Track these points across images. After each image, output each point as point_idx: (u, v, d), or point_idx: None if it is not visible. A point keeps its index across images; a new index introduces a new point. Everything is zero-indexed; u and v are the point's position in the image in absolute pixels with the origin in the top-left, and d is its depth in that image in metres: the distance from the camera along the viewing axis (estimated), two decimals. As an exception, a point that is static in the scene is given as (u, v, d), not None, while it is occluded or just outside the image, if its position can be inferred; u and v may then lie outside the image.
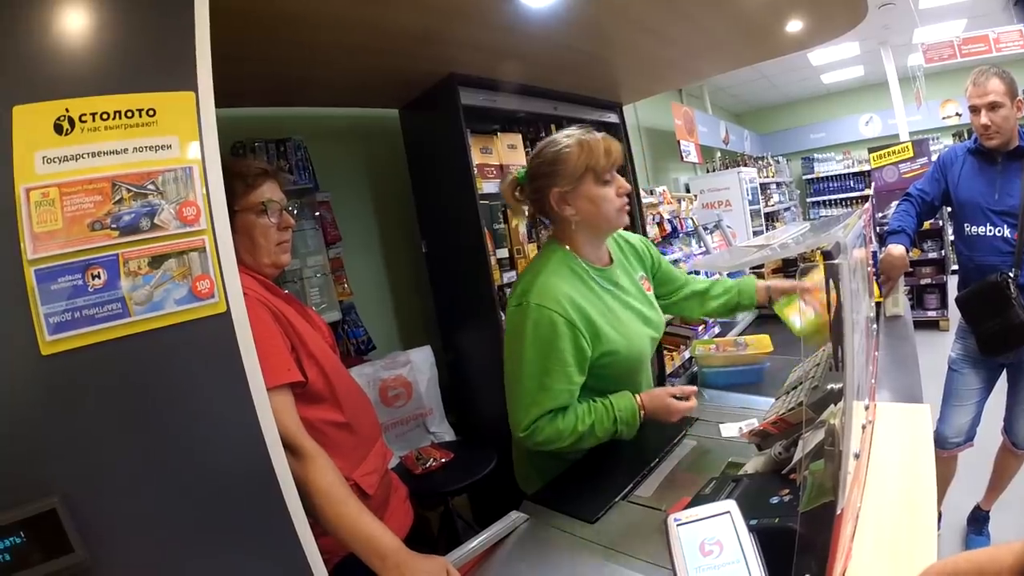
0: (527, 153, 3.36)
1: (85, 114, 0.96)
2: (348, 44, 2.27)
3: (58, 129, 0.95)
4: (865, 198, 10.07)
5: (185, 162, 1.03)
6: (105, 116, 0.98)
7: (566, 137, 1.60)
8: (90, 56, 1.00)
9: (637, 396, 1.63)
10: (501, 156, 3.16)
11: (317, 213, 3.04)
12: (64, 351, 0.92)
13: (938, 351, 3.14)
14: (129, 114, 0.99)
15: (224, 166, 1.19)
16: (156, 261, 0.99)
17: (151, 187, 1.00)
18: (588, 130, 1.61)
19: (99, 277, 0.94)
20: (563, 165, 1.57)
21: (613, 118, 4.20)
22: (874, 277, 2.67)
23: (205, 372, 1.03)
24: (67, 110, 0.95)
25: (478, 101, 2.98)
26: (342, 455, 1.46)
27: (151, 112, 1.01)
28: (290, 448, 1.24)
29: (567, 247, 1.65)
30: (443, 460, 2.82)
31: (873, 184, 6.62)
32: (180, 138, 1.03)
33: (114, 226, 0.96)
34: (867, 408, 1.37)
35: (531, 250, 3.23)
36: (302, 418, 1.37)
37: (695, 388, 1.65)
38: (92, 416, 0.94)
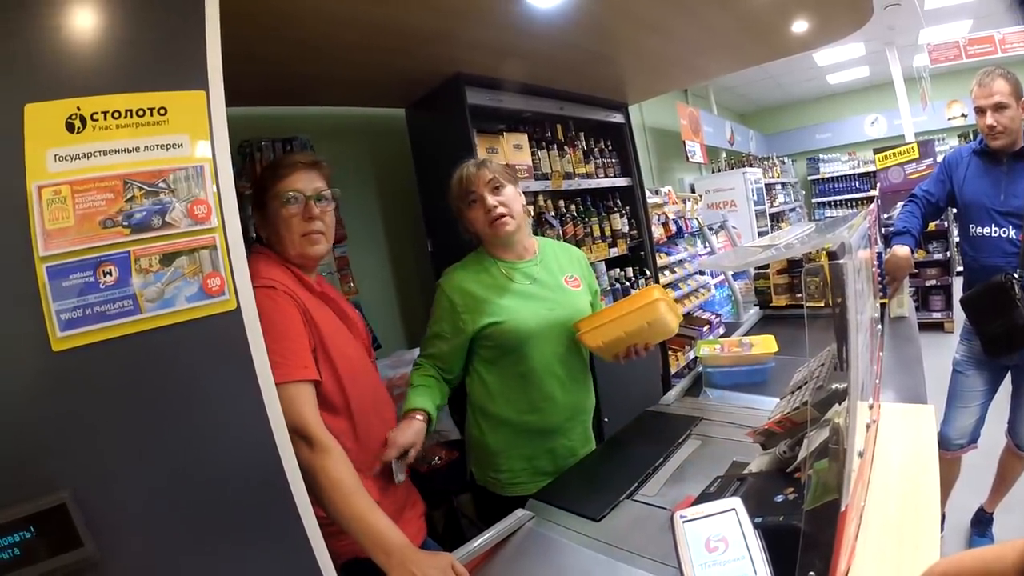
0: (533, 153, 3.36)
1: (97, 112, 0.98)
2: (355, 44, 2.28)
3: (70, 127, 0.96)
4: (870, 199, 10.03)
5: (196, 160, 1.04)
6: (117, 115, 0.99)
7: None
8: (101, 55, 1.01)
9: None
10: (507, 156, 3.15)
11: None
12: (75, 347, 0.93)
13: (943, 353, 3.14)
14: (140, 113, 1.01)
15: (267, 161, 1.21)
16: (167, 259, 1.00)
17: (162, 185, 1.01)
18: (468, 161, 1.96)
19: (110, 274, 0.95)
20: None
21: (618, 118, 4.20)
22: (879, 278, 2.67)
23: (215, 369, 1.04)
24: (79, 108, 0.96)
25: (484, 101, 2.98)
26: None
27: (162, 111, 1.02)
28: (306, 438, 1.26)
29: (483, 248, 2.00)
30: (448, 458, 2.83)
31: (878, 185, 6.60)
32: (191, 137, 1.04)
33: (125, 224, 0.97)
34: (871, 408, 1.38)
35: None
36: None
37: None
38: (102, 412, 0.95)
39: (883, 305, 2.80)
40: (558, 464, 1.95)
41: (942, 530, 2.86)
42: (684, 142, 6.61)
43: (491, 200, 1.84)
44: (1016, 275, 2.37)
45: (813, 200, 11.56)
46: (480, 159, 1.94)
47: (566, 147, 3.67)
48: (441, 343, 1.89)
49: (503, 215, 1.84)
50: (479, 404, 1.96)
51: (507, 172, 1.93)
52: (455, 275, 1.93)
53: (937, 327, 6.42)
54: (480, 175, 1.86)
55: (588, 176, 3.83)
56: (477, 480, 2.03)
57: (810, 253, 1.92)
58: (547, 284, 1.95)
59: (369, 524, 1.28)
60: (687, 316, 4.92)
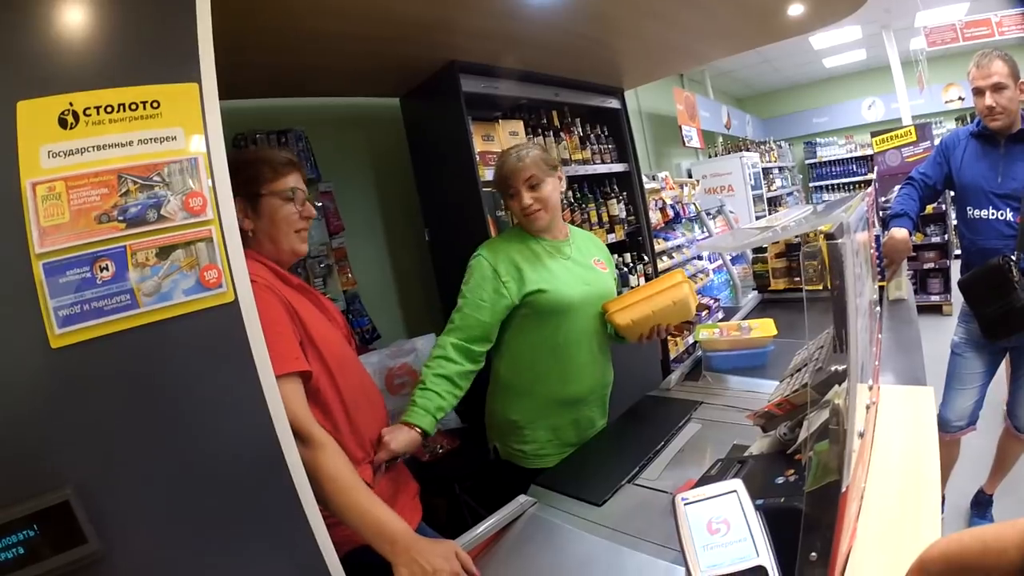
0: (529, 140, 3.35)
1: (89, 108, 0.97)
2: (348, 32, 2.26)
3: (63, 123, 0.95)
4: (868, 182, 10.03)
5: (190, 153, 1.04)
6: (109, 109, 0.98)
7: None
8: (93, 50, 1.00)
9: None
10: (503, 143, 3.14)
11: (320, 203, 3.04)
12: (74, 344, 0.93)
13: (941, 336, 3.14)
14: (133, 106, 1.00)
15: (251, 154, 1.19)
16: (164, 252, 0.99)
17: (157, 179, 1.00)
18: (515, 148, 1.99)
19: (107, 269, 0.95)
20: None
21: (615, 104, 4.18)
22: (877, 261, 2.67)
23: (214, 361, 1.04)
24: (71, 104, 0.96)
25: (479, 88, 2.96)
26: None
27: (155, 104, 1.02)
28: (299, 436, 1.24)
29: (521, 226, 2.05)
30: (450, 447, 2.84)
31: (876, 168, 6.59)
32: (185, 129, 1.04)
33: (121, 218, 0.97)
34: (871, 389, 1.38)
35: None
36: None
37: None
38: (103, 408, 0.95)
39: (881, 288, 2.80)
40: (580, 435, 2.04)
41: (942, 512, 2.88)
42: (681, 127, 6.60)
43: (527, 199, 1.93)
44: (1014, 257, 2.38)
45: (810, 184, 11.56)
46: (525, 150, 1.97)
47: (562, 133, 3.67)
48: (478, 312, 1.90)
49: (537, 211, 1.94)
50: (506, 377, 2.03)
51: (547, 164, 1.97)
52: (496, 245, 1.99)
53: (935, 310, 6.44)
54: (520, 172, 1.92)
55: (585, 162, 3.83)
56: (501, 455, 2.08)
57: (808, 235, 1.93)
58: (581, 263, 2.05)
59: (371, 516, 1.29)
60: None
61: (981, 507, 2.95)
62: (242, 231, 1.43)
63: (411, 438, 1.67)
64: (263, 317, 1.18)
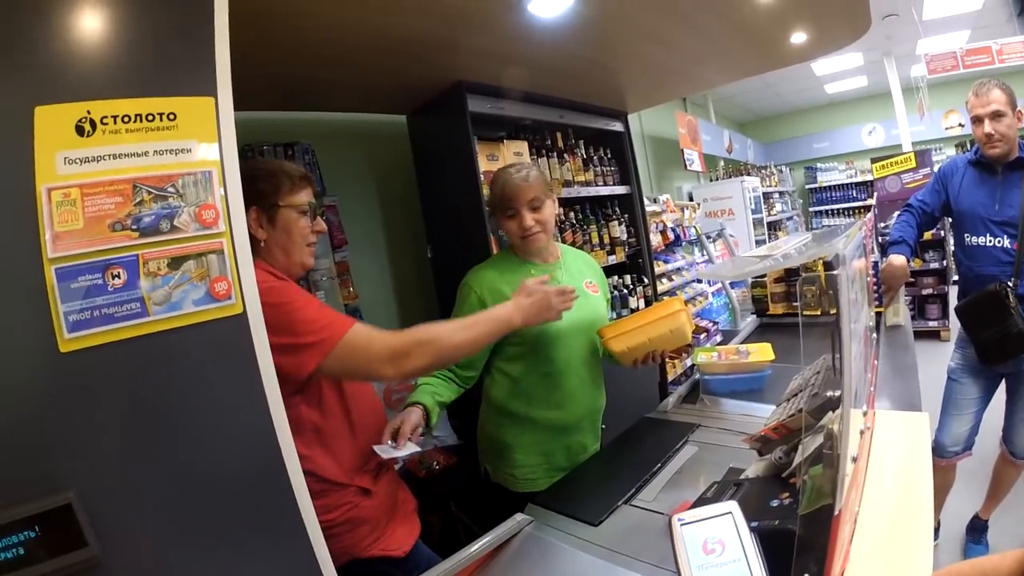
0: (533, 161, 3.38)
1: (107, 116, 0.99)
2: (357, 50, 2.30)
3: (79, 130, 0.97)
4: (867, 208, 10.07)
5: (204, 165, 1.06)
6: (127, 119, 1.00)
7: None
8: (112, 59, 1.02)
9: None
10: (507, 163, 3.17)
11: (324, 217, 3.06)
12: (82, 349, 0.94)
13: (939, 361, 3.15)
14: (150, 117, 1.02)
15: (269, 164, 1.44)
16: (175, 262, 1.01)
17: (171, 190, 1.02)
18: (514, 167, 1.96)
19: (119, 277, 0.97)
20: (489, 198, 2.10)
21: (618, 126, 4.23)
22: (875, 287, 2.69)
23: (221, 372, 1.05)
24: (89, 112, 0.97)
25: (485, 108, 3.00)
26: (339, 457, 1.49)
27: (171, 116, 1.03)
28: (400, 352, 1.38)
29: (510, 250, 2.07)
30: (446, 463, 2.84)
31: (875, 194, 6.63)
32: (200, 142, 1.06)
33: (134, 227, 0.99)
34: (865, 414, 1.39)
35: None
36: (303, 417, 1.41)
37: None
38: (109, 413, 0.96)
39: (879, 314, 2.82)
40: (572, 460, 2.01)
41: (937, 537, 2.88)
42: (682, 150, 6.63)
43: (529, 220, 1.91)
44: (1010, 284, 2.40)
45: (810, 209, 11.58)
46: (526, 170, 1.94)
47: (566, 155, 3.70)
48: None
49: (537, 232, 1.93)
50: (499, 402, 2.00)
51: (546, 185, 1.95)
52: (484, 273, 1.97)
53: (933, 335, 6.45)
54: (523, 192, 1.89)
55: (587, 184, 3.86)
56: (492, 478, 2.07)
57: (807, 263, 1.95)
58: (563, 284, 1.99)
59: (485, 329, 1.57)
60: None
61: (976, 532, 2.94)
62: (254, 240, 1.46)
63: (412, 413, 1.72)
64: (298, 295, 1.31)
